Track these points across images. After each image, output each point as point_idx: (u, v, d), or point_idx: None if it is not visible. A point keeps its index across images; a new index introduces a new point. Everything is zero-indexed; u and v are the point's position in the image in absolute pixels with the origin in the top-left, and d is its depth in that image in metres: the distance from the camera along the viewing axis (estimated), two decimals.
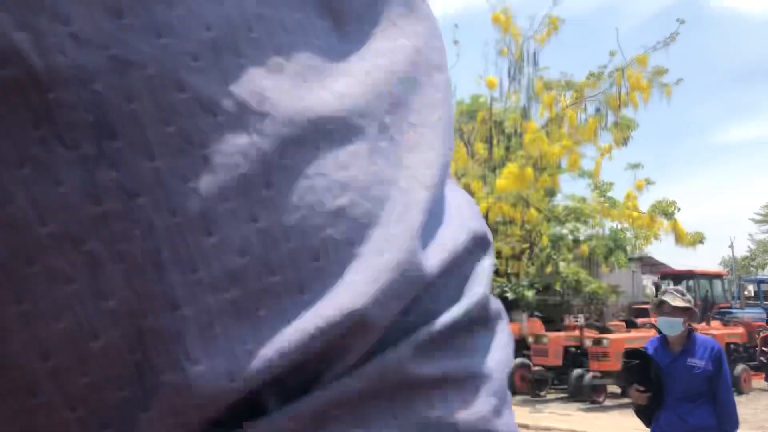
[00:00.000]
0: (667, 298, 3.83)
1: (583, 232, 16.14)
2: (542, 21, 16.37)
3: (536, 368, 12.81)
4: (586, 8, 78.93)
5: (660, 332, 4.00)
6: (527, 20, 16.83)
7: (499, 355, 0.35)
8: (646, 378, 3.72)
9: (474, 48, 27.65)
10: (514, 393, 12.46)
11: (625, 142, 15.81)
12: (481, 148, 17.02)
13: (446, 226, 0.33)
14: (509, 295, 14.44)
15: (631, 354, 3.91)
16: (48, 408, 0.25)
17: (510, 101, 17.13)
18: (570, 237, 15.79)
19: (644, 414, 3.89)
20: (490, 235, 0.38)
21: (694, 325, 3.97)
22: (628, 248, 15.94)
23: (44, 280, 0.24)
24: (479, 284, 0.34)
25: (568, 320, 15.35)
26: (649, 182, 15.85)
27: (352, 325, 0.27)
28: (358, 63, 0.31)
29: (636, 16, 77.60)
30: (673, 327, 3.77)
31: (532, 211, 15.16)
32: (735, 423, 3.73)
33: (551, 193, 16.89)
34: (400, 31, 0.33)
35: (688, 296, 3.91)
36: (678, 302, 3.77)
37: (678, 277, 18.48)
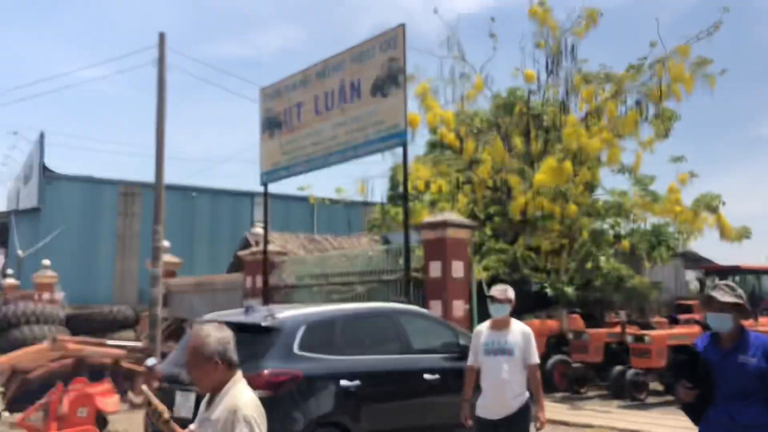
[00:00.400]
0: (715, 293, 3.70)
1: (624, 226, 15.88)
2: (580, 14, 16.15)
3: (576, 365, 12.65)
4: None
5: (707, 329, 3.86)
6: (564, 13, 16.59)
7: None
8: (694, 375, 3.62)
9: (510, 41, 27.34)
10: (554, 390, 12.32)
11: (666, 134, 15.49)
12: (518, 142, 16.86)
13: None
14: (549, 291, 14.27)
15: (680, 350, 3.78)
16: None
17: (548, 94, 16.94)
18: (611, 232, 15.54)
19: (692, 411, 3.77)
20: None
21: (742, 322, 3.79)
22: (671, 243, 15.60)
23: None
24: None
25: (609, 316, 15.10)
26: (692, 175, 15.53)
27: None
28: None
29: (677, 6, 75.91)
30: (723, 323, 3.65)
31: (572, 205, 14.95)
32: None
33: (591, 187, 16.64)
34: None
35: (739, 291, 3.75)
36: (727, 298, 3.65)
37: (723, 272, 18.04)
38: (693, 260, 20.97)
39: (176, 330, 14.81)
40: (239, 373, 2.87)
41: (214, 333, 2.82)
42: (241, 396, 2.76)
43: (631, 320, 13.95)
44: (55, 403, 7.76)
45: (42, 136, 30.53)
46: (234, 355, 2.84)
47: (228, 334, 2.87)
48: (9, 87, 41.53)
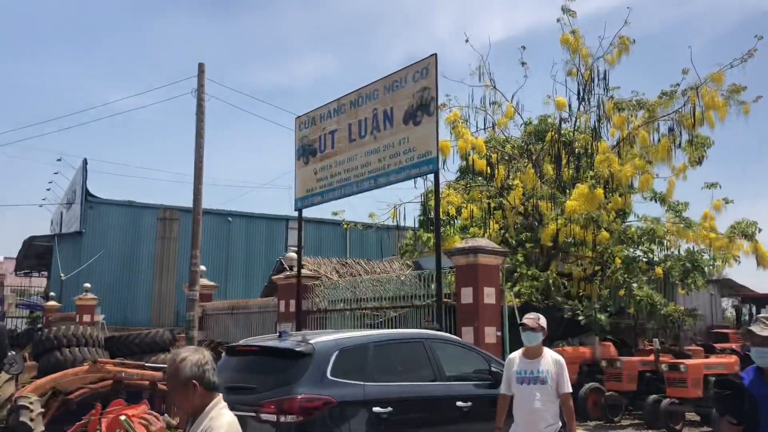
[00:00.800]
0: (754, 327, 3.59)
1: (657, 253, 15.71)
2: (612, 42, 16.20)
3: (609, 393, 12.52)
4: (657, 26, 77.03)
5: (747, 359, 3.73)
6: (596, 40, 16.61)
7: None
8: (739, 410, 3.47)
9: (542, 69, 27.48)
10: (587, 418, 12.21)
11: (699, 161, 15.38)
12: (550, 168, 16.89)
13: None
14: (581, 319, 14.17)
15: (724, 384, 3.60)
16: None
17: (579, 121, 16.97)
18: (644, 259, 15.39)
19: None
20: None
21: None
22: (706, 270, 15.37)
23: None
24: None
25: (643, 344, 14.91)
26: (727, 201, 15.36)
27: None
28: None
29: (710, 33, 75.21)
30: (765, 358, 3.55)
31: (604, 232, 14.89)
32: None
33: (623, 214, 16.54)
34: None
35: None
36: (767, 332, 3.54)
37: (760, 300, 17.74)
38: (729, 287, 20.61)
39: (211, 353, 14.99)
40: (219, 396, 2.84)
41: (190, 356, 2.79)
42: (219, 419, 2.75)
43: (665, 348, 13.78)
44: (94, 424, 7.97)
45: (85, 162, 31.53)
46: (213, 378, 2.80)
47: (205, 356, 2.83)
48: (54, 115, 42.89)
